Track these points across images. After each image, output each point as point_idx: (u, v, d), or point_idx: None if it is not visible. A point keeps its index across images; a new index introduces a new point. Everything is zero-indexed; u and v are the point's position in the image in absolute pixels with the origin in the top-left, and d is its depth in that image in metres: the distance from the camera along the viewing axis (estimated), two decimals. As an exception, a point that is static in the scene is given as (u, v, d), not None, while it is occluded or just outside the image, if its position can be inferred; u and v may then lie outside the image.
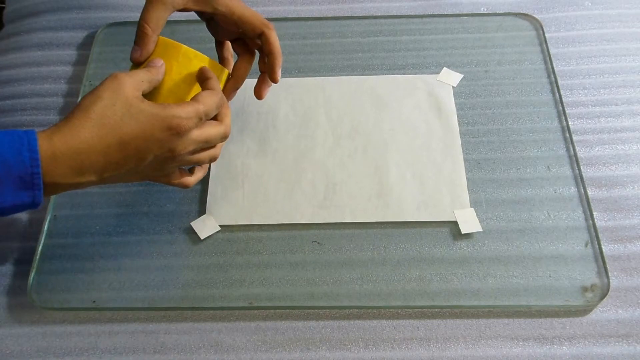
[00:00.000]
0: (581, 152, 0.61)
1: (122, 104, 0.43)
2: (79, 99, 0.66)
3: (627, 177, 0.59)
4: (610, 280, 0.53)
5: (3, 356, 0.52)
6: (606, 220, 0.57)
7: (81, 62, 0.71)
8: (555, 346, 0.51)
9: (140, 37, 0.49)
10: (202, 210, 0.59)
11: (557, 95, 0.65)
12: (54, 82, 0.69)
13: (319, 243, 0.56)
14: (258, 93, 0.57)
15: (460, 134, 0.62)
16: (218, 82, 0.49)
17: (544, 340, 0.51)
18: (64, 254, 0.57)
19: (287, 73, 0.68)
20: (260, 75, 0.57)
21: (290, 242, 0.57)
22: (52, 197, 0.60)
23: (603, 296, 0.52)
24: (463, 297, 0.53)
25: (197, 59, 0.50)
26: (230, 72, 0.56)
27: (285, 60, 0.68)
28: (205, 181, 0.60)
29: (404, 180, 0.59)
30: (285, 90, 0.66)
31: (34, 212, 0.59)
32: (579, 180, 0.59)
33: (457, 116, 0.63)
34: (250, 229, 0.57)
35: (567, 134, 0.62)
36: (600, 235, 0.55)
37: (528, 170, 0.60)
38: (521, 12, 0.72)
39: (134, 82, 0.44)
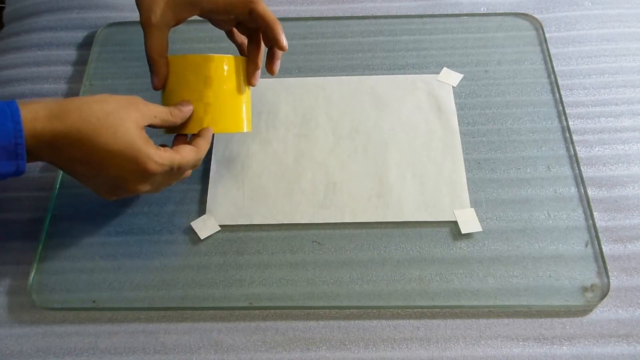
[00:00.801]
0: (581, 152, 0.61)
1: (115, 118, 0.44)
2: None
3: (627, 177, 0.59)
4: (610, 280, 0.53)
5: (3, 356, 0.52)
6: (606, 220, 0.57)
7: (81, 62, 0.71)
8: (555, 346, 0.51)
9: (151, 65, 0.52)
10: (202, 210, 0.59)
11: (557, 95, 0.65)
12: (54, 82, 0.69)
13: (319, 243, 0.56)
14: (270, 69, 0.57)
15: (460, 134, 0.62)
16: (206, 142, 0.51)
17: (544, 340, 0.51)
18: (64, 254, 0.57)
19: (287, 73, 0.68)
20: (267, 51, 0.57)
21: (290, 242, 0.57)
22: (52, 197, 0.60)
23: (603, 296, 0.52)
24: (463, 297, 0.53)
25: (206, 60, 0.52)
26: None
27: (285, 60, 0.68)
28: (205, 181, 0.60)
29: (404, 180, 0.59)
30: (285, 90, 0.66)
31: (34, 212, 0.59)
32: (579, 180, 0.59)
33: (457, 116, 0.63)
34: (250, 229, 0.57)
35: (567, 134, 0.62)
36: (600, 235, 0.56)
37: (528, 170, 0.60)
38: (521, 12, 0.72)
39: (146, 111, 0.46)
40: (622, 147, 0.61)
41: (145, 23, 0.52)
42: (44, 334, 0.53)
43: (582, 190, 0.58)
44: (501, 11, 0.72)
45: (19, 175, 0.44)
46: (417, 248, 0.56)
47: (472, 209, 0.58)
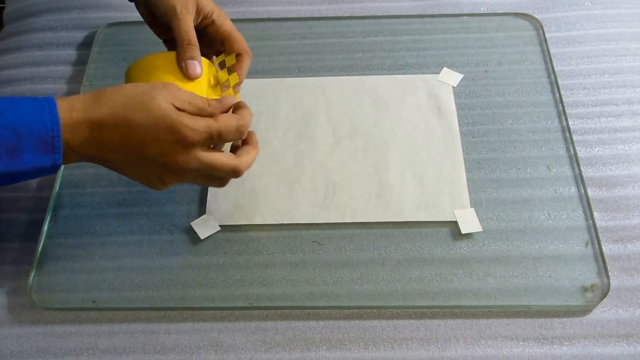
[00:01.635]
0: (581, 152, 0.61)
1: (147, 96, 0.44)
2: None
3: (627, 177, 0.59)
4: (610, 280, 0.53)
5: (3, 356, 0.52)
6: (606, 220, 0.57)
7: (81, 62, 0.71)
8: (555, 346, 0.51)
9: (193, 50, 0.51)
10: (202, 210, 0.59)
11: (557, 95, 0.65)
12: (54, 82, 0.69)
13: (319, 243, 0.56)
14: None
15: (460, 134, 0.62)
16: (249, 115, 0.49)
17: (544, 340, 0.51)
18: (64, 254, 0.57)
19: (287, 73, 0.68)
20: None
21: (290, 242, 0.57)
22: (52, 197, 0.60)
23: (603, 296, 0.52)
24: (463, 297, 0.53)
25: (208, 65, 0.52)
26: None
27: (285, 60, 0.68)
28: (205, 181, 0.60)
29: (404, 180, 0.59)
30: (285, 90, 0.66)
31: (34, 212, 0.60)
32: (579, 180, 0.59)
33: (457, 116, 0.63)
34: (250, 229, 0.57)
35: (567, 134, 0.62)
36: (600, 235, 0.55)
37: (528, 170, 0.60)
38: (521, 12, 0.72)
39: (179, 94, 0.45)
40: (622, 147, 0.61)
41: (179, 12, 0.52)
42: (44, 334, 0.53)
43: (582, 190, 0.58)
44: (501, 11, 0.72)
45: (55, 171, 0.43)
46: (417, 248, 0.56)
47: (472, 209, 0.58)
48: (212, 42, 0.57)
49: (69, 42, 0.73)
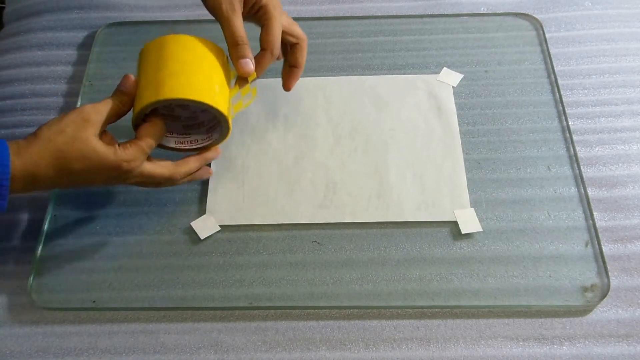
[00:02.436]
0: (581, 152, 0.61)
1: (80, 143, 0.47)
2: (79, 99, 0.66)
3: (627, 177, 0.59)
4: (610, 280, 0.53)
5: (3, 356, 0.52)
6: (606, 220, 0.57)
7: (81, 62, 0.71)
8: (555, 346, 0.51)
9: (243, 50, 0.52)
10: (202, 210, 0.59)
11: (557, 95, 0.65)
12: (54, 82, 0.69)
13: (319, 243, 0.56)
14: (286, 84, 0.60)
15: (460, 134, 0.62)
16: (153, 125, 0.51)
17: (544, 340, 0.51)
18: (64, 254, 0.57)
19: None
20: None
21: (290, 242, 0.57)
22: (53, 197, 0.60)
23: (603, 296, 0.52)
24: (463, 297, 0.53)
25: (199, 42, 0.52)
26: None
27: (285, 60, 0.68)
28: (205, 181, 0.60)
29: (404, 180, 0.59)
30: (285, 90, 0.66)
31: (34, 212, 0.60)
32: (579, 180, 0.59)
33: (457, 116, 0.63)
34: (250, 229, 0.57)
35: (567, 134, 0.62)
36: (600, 235, 0.55)
37: (528, 170, 0.60)
38: (521, 12, 0.72)
39: (98, 121, 0.48)
40: (622, 147, 0.61)
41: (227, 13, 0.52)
42: (44, 334, 0.53)
43: (582, 190, 0.58)
44: (501, 11, 0.72)
45: None
46: (417, 248, 0.56)
47: (472, 209, 0.58)
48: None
49: (69, 42, 0.73)
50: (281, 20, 0.55)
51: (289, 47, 0.58)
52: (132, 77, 0.51)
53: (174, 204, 0.59)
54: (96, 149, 0.47)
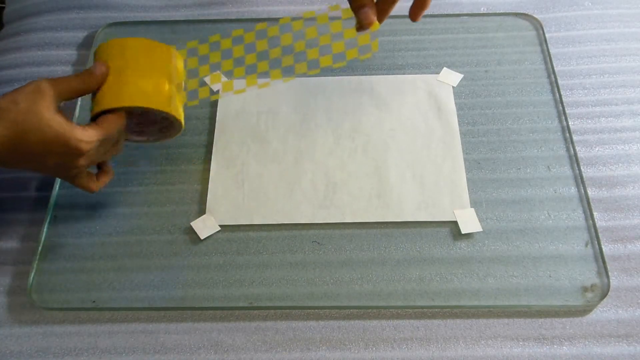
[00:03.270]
0: (581, 152, 0.61)
1: (34, 116, 0.46)
2: (79, 99, 0.66)
3: (627, 177, 0.59)
4: (610, 280, 0.53)
5: (3, 356, 0.52)
6: (606, 220, 0.57)
7: (81, 62, 0.71)
8: (555, 346, 0.51)
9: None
10: (202, 210, 0.59)
11: (557, 95, 0.65)
12: (54, 82, 0.69)
13: (319, 243, 0.56)
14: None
15: (460, 134, 0.62)
16: (117, 116, 0.50)
17: (544, 340, 0.51)
18: (64, 254, 0.57)
19: (287, 73, 0.68)
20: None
21: (290, 242, 0.57)
22: (52, 197, 0.60)
23: (603, 296, 0.52)
24: (463, 297, 0.53)
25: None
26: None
27: (286, 60, 0.68)
28: (205, 181, 0.60)
29: (404, 180, 0.59)
30: (286, 90, 0.66)
31: (34, 212, 0.59)
32: (579, 180, 0.59)
33: (457, 116, 0.63)
34: (250, 229, 0.57)
35: (567, 134, 0.62)
36: (600, 235, 0.55)
37: (528, 170, 0.60)
38: (521, 12, 0.72)
39: (54, 94, 0.47)
40: (622, 147, 0.61)
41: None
42: (44, 334, 0.53)
43: (582, 190, 0.58)
44: (501, 11, 0.72)
45: None
46: (417, 248, 0.56)
47: (472, 209, 0.58)
48: None
49: (69, 42, 0.73)
50: None
51: None
52: (106, 67, 0.50)
53: (174, 204, 0.59)
54: (50, 123, 0.46)
